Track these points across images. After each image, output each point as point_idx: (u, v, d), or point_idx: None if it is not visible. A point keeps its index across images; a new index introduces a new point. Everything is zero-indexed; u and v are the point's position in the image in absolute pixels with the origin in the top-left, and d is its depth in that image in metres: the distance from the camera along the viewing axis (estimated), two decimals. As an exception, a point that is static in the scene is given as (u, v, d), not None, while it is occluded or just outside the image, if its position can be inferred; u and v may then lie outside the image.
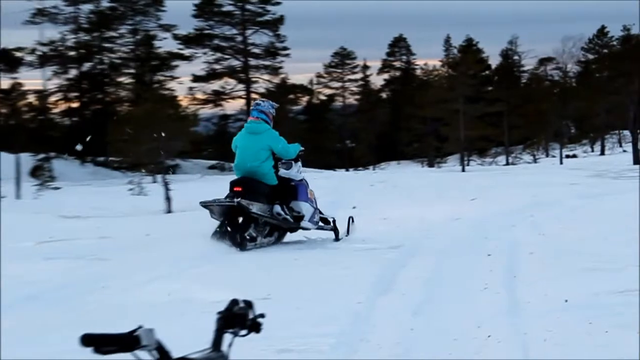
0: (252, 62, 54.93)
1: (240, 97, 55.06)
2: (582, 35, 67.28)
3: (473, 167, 45.53)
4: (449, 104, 47.17)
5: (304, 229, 10.66)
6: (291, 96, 57.70)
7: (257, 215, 10.02)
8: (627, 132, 50.62)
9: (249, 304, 2.34)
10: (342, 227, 11.03)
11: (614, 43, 67.97)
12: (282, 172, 10.59)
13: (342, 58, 70.61)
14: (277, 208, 10.28)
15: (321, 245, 10.40)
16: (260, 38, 54.34)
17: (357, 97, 70.82)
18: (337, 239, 10.82)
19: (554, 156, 57.71)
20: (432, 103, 50.71)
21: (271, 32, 54.33)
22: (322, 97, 69.38)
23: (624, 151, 54.52)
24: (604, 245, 9.03)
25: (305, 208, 10.55)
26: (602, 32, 69.65)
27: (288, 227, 10.63)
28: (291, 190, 10.58)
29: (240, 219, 10.00)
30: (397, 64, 75.16)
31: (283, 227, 10.61)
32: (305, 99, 63.96)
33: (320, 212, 10.97)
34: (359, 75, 71.25)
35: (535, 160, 57.09)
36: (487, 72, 68.00)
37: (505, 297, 6.83)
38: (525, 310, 6.29)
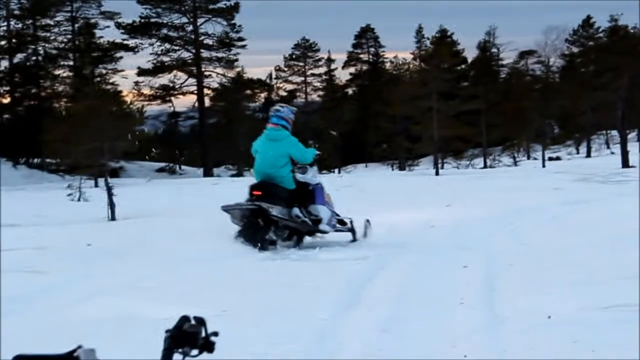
0: (205, 54, 54.93)
1: (191, 92, 54.95)
2: (566, 26, 67.97)
3: (448, 170, 45.88)
4: (421, 101, 47.35)
5: (321, 232, 11.66)
6: (248, 92, 57.75)
7: (276, 218, 10.90)
8: (615, 133, 51.18)
9: (201, 321, 2.34)
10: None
11: (601, 35, 68.81)
12: (299, 176, 11.56)
13: (304, 50, 70.82)
14: (296, 211, 11.28)
15: (283, 255, 10.42)
16: (213, 28, 54.44)
17: (321, 93, 71.13)
18: (354, 239, 11.87)
19: (535, 158, 58.24)
20: (403, 100, 50.84)
21: (225, 21, 54.37)
22: (282, 93, 69.43)
23: (612, 153, 55.18)
24: (589, 256, 9.13)
25: (322, 211, 11.56)
26: (587, 22, 70.45)
27: (307, 230, 11.57)
28: (309, 194, 11.62)
29: (261, 222, 10.82)
30: (364, 56, 75.49)
31: (302, 231, 11.53)
32: (264, 94, 63.99)
33: (337, 214, 12.01)
34: (322, 69, 71.60)
35: (515, 163, 57.55)
36: (462, 66, 68.56)
37: (483, 313, 6.88)
38: (505, 327, 6.35)
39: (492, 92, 62.24)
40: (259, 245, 10.59)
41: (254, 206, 10.78)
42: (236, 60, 55.84)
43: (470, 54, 73.00)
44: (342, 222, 12.07)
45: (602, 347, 5.56)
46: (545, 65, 66.04)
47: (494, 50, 73.79)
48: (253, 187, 11.20)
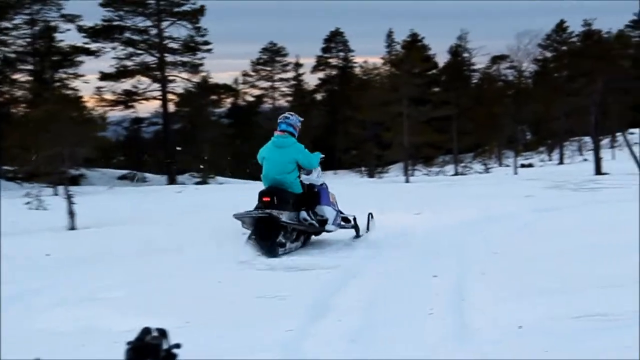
0: (169, 58, 54.64)
1: (155, 97, 54.69)
2: (539, 31, 68.62)
3: (418, 177, 45.90)
4: (392, 107, 47.42)
5: (328, 231, 12.51)
6: (214, 97, 57.57)
7: (286, 224, 11.60)
8: (588, 139, 51.63)
9: (162, 333, 2.34)
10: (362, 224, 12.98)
11: (574, 39, 69.46)
12: (304, 177, 12.36)
13: (272, 54, 70.91)
14: (304, 214, 12.09)
15: (249, 265, 10.41)
16: (178, 31, 54.12)
17: (289, 98, 71.15)
18: (357, 235, 12.88)
19: (507, 165, 58.53)
20: (373, 105, 50.94)
21: (190, 25, 54.14)
22: (249, 98, 69.49)
23: (585, 160, 55.63)
24: (562, 264, 9.19)
25: (328, 212, 12.46)
26: (560, 27, 71.12)
27: (313, 231, 12.43)
28: (315, 196, 12.48)
29: (271, 228, 11.42)
30: (333, 61, 75.75)
31: (309, 231, 12.36)
32: (230, 100, 63.90)
33: (342, 212, 12.88)
34: (290, 74, 71.79)
35: (487, 170, 57.76)
36: (433, 71, 68.89)
37: (453, 323, 6.91)
38: (475, 338, 6.38)
39: (464, 97, 62.65)
40: (270, 250, 11.17)
41: (265, 214, 11.40)
42: (201, 64, 55.60)
43: (442, 58, 73.50)
44: (346, 219, 12.96)
45: (575, 357, 5.60)
46: (517, 70, 66.31)
47: (465, 54, 74.31)
48: (263, 194, 11.80)
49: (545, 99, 55.12)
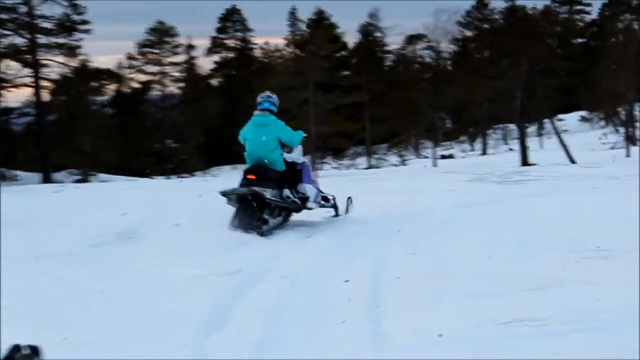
0: (42, 39, 53.79)
1: (26, 85, 53.74)
2: (457, 7, 69.52)
3: (327, 171, 46.09)
4: (297, 93, 47.68)
5: (308, 208, 14.08)
6: (94, 84, 56.93)
7: (270, 201, 12.97)
8: (513, 126, 52.49)
9: (34, 350, 2.32)
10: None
11: (497, 16, 70.41)
12: (286, 155, 13.80)
13: (160, 35, 70.19)
14: (287, 192, 13.50)
15: (141, 271, 10.30)
16: (51, 9, 53.34)
17: (181, 84, 70.59)
18: (336, 214, 14.75)
19: (426, 156, 59.29)
20: (276, 91, 50.98)
21: (65, 1, 53.39)
22: (135, 85, 68.80)
23: (510, 149, 56.67)
24: (487, 264, 9.30)
25: (309, 189, 13.98)
26: (481, 3, 72.06)
27: (295, 208, 13.89)
28: (297, 174, 13.95)
29: (255, 205, 12.81)
30: (230, 42, 75.56)
31: (290, 208, 13.81)
32: (113, 87, 63.25)
33: (322, 192, 14.52)
34: (182, 57, 71.16)
35: (403, 162, 58.41)
36: (343, 52, 69.25)
37: (367, 332, 6.97)
38: (391, 348, 6.44)
39: (377, 82, 63.11)
40: (256, 228, 12.55)
41: (250, 191, 12.75)
42: (79, 46, 54.91)
43: (352, 39, 73.84)
44: (326, 198, 14.65)
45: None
46: (435, 50, 67.33)
47: (378, 34, 74.73)
48: (247, 171, 13.22)
49: (466, 83, 55.98)
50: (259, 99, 14.09)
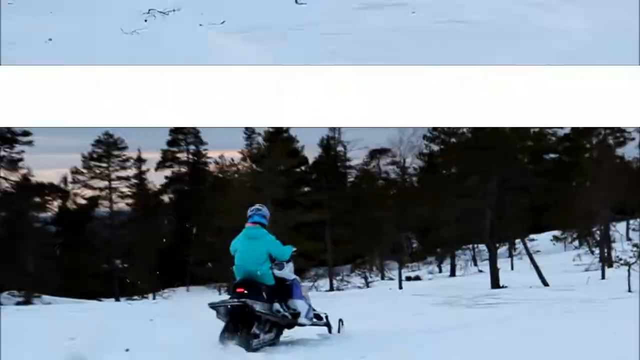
0: (-20, 151, 53.73)
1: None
2: (423, 121, 69.96)
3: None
4: (254, 210, 47.61)
5: (300, 325, 14.55)
6: (37, 199, 56.71)
7: (260, 314, 13.25)
8: (483, 247, 52.73)
9: None
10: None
11: (464, 130, 71.00)
12: (276, 272, 14.22)
13: (108, 147, 70.03)
14: (277, 306, 13.92)
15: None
16: (-9, 119, 53.33)
17: (130, 201, 70.36)
18: (330, 332, 15.35)
19: (391, 278, 59.28)
20: (231, 209, 51.04)
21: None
22: (81, 201, 68.54)
23: (480, 271, 56.85)
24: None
25: (300, 305, 14.48)
26: (448, 117, 72.81)
27: (286, 323, 14.30)
28: (287, 289, 14.49)
29: (245, 319, 13.03)
30: (181, 156, 75.60)
31: (281, 324, 14.19)
32: (57, 203, 63.01)
33: (314, 309, 15.07)
34: (131, 172, 71.01)
35: (367, 284, 58.36)
36: (302, 167, 69.54)
37: None
38: None
39: (339, 199, 63.32)
40: (246, 341, 12.70)
41: (240, 302, 13.01)
42: (21, 159, 54.86)
43: (312, 153, 74.06)
44: (318, 316, 15.26)
45: None
46: (400, 166, 67.68)
47: (339, 148, 75.14)
48: (236, 285, 13.64)
49: (433, 201, 56.18)
50: (249, 212, 14.56)
